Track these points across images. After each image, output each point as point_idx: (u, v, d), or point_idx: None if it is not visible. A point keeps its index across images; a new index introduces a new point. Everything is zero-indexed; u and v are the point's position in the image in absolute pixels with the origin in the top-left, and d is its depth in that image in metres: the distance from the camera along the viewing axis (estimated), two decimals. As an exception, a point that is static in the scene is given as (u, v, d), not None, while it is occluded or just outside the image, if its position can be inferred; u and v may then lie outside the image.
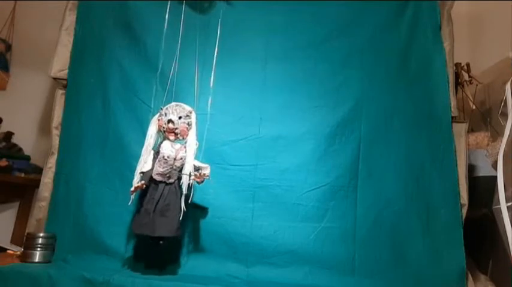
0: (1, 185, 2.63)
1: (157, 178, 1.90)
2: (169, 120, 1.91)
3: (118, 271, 1.90)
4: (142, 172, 1.89)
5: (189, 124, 1.95)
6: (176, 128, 1.92)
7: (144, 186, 1.87)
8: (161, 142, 1.96)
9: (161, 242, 1.89)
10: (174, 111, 1.93)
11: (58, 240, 2.06)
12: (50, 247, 2.01)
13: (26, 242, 2.00)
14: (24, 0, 3.00)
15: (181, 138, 1.95)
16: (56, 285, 1.75)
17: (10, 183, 2.68)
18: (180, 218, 1.83)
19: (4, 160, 2.65)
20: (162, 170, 1.89)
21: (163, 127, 1.94)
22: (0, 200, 2.77)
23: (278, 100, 2.27)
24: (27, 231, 2.23)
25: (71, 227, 2.15)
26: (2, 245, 2.44)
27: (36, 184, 2.36)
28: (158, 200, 1.86)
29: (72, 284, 1.75)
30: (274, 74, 2.30)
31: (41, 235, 2.00)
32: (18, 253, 2.06)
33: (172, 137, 1.94)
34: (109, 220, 2.13)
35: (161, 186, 1.89)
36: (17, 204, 2.81)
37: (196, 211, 2.08)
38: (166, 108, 1.95)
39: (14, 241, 2.65)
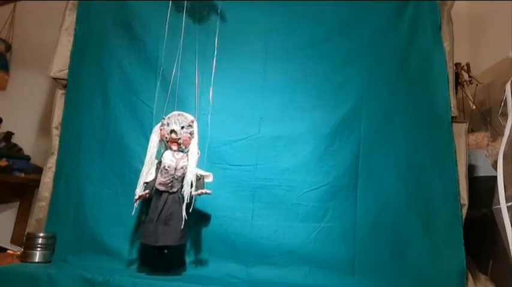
0: (1, 185, 2.63)
1: (160, 187, 1.91)
2: (172, 131, 1.92)
3: (118, 271, 1.90)
4: (146, 182, 1.90)
5: (191, 133, 1.96)
6: (179, 138, 1.93)
7: (148, 195, 1.89)
8: (163, 152, 1.98)
9: (166, 251, 1.90)
10: (177, 121, 1.94)
11: (58, 240, 2.06)
12: (50, 247, 2.01)
13: (26, 242, 2.00)
14: (24, 0, 3.00)
15: (183, 147, 1.96)
16: (56, 285, 1.74)
17: (10, 183, 2.68)
18: (182, 227, 1.84)
19: (4, 160, 2.65)
20: (164, 180, 1.91)
21: (166, 137, 1.95)
22: (0, 200, 2.77)
23: (278, 100, 2.27)
24: (27, 231, 2.23)
25: (71, 227, 2.15)
26: (2, 245, 2.45)
27: (36, 184, 2.36)
28: (162, 210, 1.88)
29: (72, 284, 1.75)
30: (274, 74, 2.30)
31: (41, 235, 2.00)
32: (18, 253, 2.06)
33: (175, 147, 1.95)
34: (109, 220, 2.13)
35: (164, 195, 1.91)
36: (17, 204, 2.81)
37: (196, 212, 2.08)
38: (169, 118, 1.96)
39: (14, 241, 2.65)
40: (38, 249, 1.97)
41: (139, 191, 1.89)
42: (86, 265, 1.95)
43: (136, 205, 1.91)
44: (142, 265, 2.04)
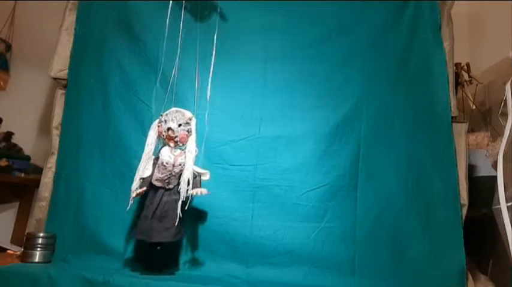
0: (1, 185, 2.63)
1: (157, 183, 1.91)
2: (169, 128, 1.92)
3: (118, 271, 1.90)
4: (142, 178, 1.90)
5: (188, 131, 1.95)
6: (176, 136, 1.93)
7: (144, 192, 1.88)
8: (161, 148, 1.97)
9: (159, 247, 1.91)
10: (174, 118, 1.93)
11: (58, 240, 2.06)
12: (50, 247, 2.01)
13: (26, 242, 1.99)
14: (24, 0, 3.00)
15: (181, 144, 1.96)
16: (56, 285, 1.74)
17: (10, 183, 2.68)
18: (176, 224, 1.84)
19: (4, 160, 2.65)
20: (161, 176, 1.90)
21: (163, 134, 1.95)
22: (0, 200, 2.77)
23: (278, 100, 2.27)
24: (27, 231, 2.23)
25: (71, 227, 2.15)
26: (2, 245, 2.44)
27: (36, 184, 2.35)
28: (157, 206, 1.87)
29: (72, 284, 1.75)
30: (274, 74, 2.30)
31: (41, 235, 2.00)
32: (18, 253, 2.06)
33: (172, 144, 1.95)
34: (109, 220, 2.13)
35: (160, 192, 1.90)
36: (17, 204, 2.81)
37: (196, 211, 2.08)
38: (166, 115, 1.95)
39: (14, 241, 2.65)
40: (38, 249, 1.96)
41: (135, 186, 1.89)
42: (85, 265, 1.94)
43: (131, 202, 1.90)
44: (142, 264, 2.03)
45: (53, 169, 2.25)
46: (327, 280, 2.00)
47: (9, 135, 2.83)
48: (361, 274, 2.03)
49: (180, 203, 1.84)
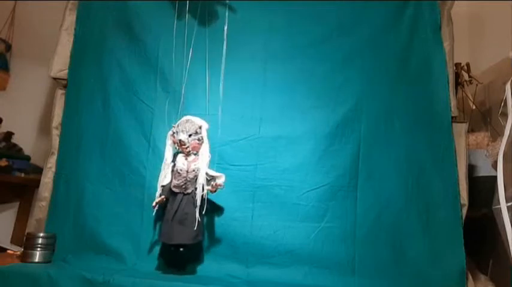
0: (1, 185, 2.63)
1: (175, 189, 1.97)
2: (180, 140, 1.96)
3: (118, 271, 1.90)
4: (162, 186, 1.97)
5: (199, 139, 1.99)
6: (187, 147, 1.97)
7: (164, 199, 1.96)
8: (176, 155, 2.02)
9: (181, 249, 1.95)
10: (184, 129, 1.97)
11: (58, 240, 2.07)
12: (50, 247, 2.02)
13: (26, 242, 2.00)
14: (25, 0, 3.00)
15: (194, 152, 2.00)
16: (56, 285, 1.75)
17: (10, 183, 2.68)
18: (195, 227, 1.88)
19: (4, 160, 2.65)
20: (177, 182, 1.97)
21: (176, 145, 2.00)
22: (0, 200, 2.77)
23: (278, 100, 2.27)
24: (27, 231, 2.23)
25: (71, 227, 2.15)
26: (2, 245, 2.45)
27: (36, 184, 2.36)
28: (177, 210, 1.93)
29: (72, 284, 1.76)
30: (274, 74, 2.29)
31: (41, 235, 2.00)
32: (18, 253, 2.06)
33: (185, 152, 2.00)
34: (109, 220, 2.13)
35: (179, 196, 1.96)
36: (17, 204, 2.81)
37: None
38: (178, 126, 2.00)
39: (14, 241, 2.65)
40: (38, 249, 1.97)
41: (158, 194, 1.97)
42: (86, 265, 1.95)
43: (154, 209, 1.97)
44: (142, 264, 2.04)
45: (53, 169, 2.25)
46: (327, 280, 2.00)
47: (9, 135, 2.83)
48: (361, 274, 2.04)
49: (198, 207, 1.89)
